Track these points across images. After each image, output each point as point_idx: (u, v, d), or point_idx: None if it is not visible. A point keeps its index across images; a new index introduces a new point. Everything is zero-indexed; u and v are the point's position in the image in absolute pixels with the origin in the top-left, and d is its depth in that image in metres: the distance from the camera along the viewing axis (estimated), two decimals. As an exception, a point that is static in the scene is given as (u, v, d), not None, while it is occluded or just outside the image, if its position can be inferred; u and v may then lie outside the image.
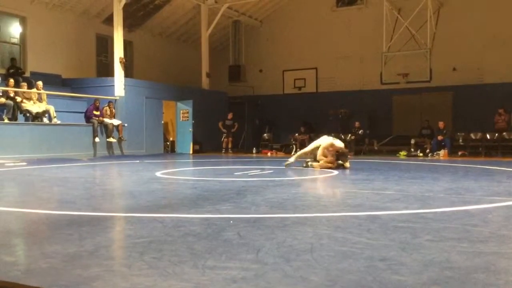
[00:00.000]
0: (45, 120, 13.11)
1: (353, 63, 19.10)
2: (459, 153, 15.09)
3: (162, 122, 17.20)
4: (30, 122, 12.75)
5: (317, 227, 3.53)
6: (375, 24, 17.15)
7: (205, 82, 19.00)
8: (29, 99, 12.99)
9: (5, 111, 12.21)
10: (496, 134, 15.48)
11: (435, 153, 14.66)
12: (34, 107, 12.93)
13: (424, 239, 3.09)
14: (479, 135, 15.86)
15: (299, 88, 20.44)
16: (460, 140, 16.01)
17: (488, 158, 13.62)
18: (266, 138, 18.88)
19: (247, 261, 2.56)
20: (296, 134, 17.53)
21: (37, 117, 12.97)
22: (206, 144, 17.80)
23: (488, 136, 15.68)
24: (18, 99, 12.69)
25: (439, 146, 14.87)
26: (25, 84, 13.11)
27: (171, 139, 18.43)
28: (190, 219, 4.04)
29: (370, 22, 18.05)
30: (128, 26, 17.00)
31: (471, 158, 13.46)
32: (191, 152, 17.15)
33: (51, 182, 7.31)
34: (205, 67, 19.00)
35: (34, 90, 13.21)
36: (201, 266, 2.46)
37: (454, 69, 17.46)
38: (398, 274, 2.31)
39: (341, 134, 16.88)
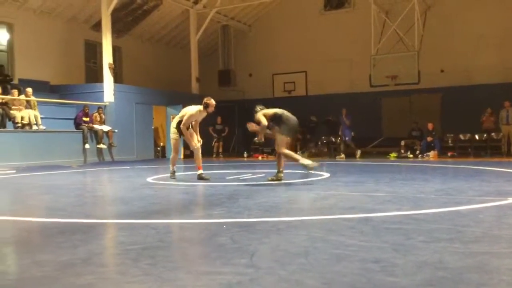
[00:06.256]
0: (35, 127, 13.00)
1: (342, 66, 19.20)
2: (449, 154, 15.21)
3: (153, 127, 17.14)
4: (19, 130, 12.62)
5: (311, 231, 3.53)
6: (363, 27, 17.26)
7: (195, 87, 18.97)
8: (18, 106, 12.87)
9: (-7, 118, 12.09)
10: (485, 135, 15.64)
11: (424, 154, 14.76)
12: (23, 113, 12.80)
13: (417, 240, 3.11)
14: (467, 136, 16.01)
15: (289, 91, 20.50)
16: (449, 141, 16.15)
17: (477, 158, 13.74)
18: (257, 142, 18.87)
19: (242, 265, 2.56)
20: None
21: (27, 124, 12.84)
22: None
23: (476, 137, 15.83)
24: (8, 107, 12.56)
25: (429, 147, 14.98)
26: (16, 91, 12.98)
27: (161, 144, 18.35)
28: (183, 224, 4.03)
29: (358, 25, 18.17)
30: (117, 31, 16.94)
31: (461, 159, 13.58)
32: (182, 157, 17.08)
33: (42, 189, 7.25)
34: (194, 72, 18.98)
35: (23, 96, 13.10)
36: (195, 271, 2.46)
37: (442, 70, 17.62)
38: (392, 276, 2.33)
39: (331, 137, 16.94)
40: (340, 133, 16.15)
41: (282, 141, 7.06)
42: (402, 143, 15.46)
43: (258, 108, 7.39)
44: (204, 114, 7.88)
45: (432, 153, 14.61)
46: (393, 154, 15.14)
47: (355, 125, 16.97)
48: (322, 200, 5.25)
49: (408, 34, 16.12)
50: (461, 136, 16.13)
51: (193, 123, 7.98)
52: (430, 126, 15.48)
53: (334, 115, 17.82)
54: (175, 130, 7.86)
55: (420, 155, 14.82)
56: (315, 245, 3.01)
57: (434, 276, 2.32)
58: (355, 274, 2.36)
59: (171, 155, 8.24)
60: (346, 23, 19.11)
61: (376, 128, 18.31)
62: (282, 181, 7.17)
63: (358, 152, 15.33)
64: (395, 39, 16.36)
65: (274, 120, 7.13)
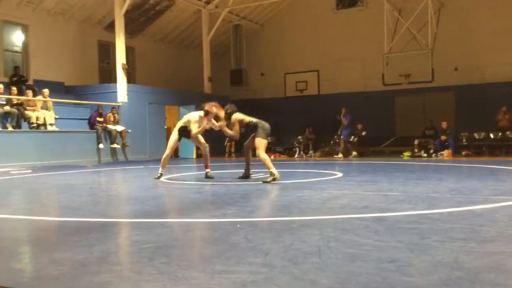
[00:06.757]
0: (49, 127, 13.16)
1: (354, 65, 19.11)
2: (463, 153, 15.06)
3: (165, 127, 17.23)
4: (34, 130, 12.79)
5: (324, 230, 3.53)
6: (376, 25, 17.16)
7: (207, 86, 19.04)
8: (33, 107, 13.05)
9: (9, 119, 12.26)
10: (500, 134, 15.45)
11: (439, 153, 14.63)
12: (38, 114, 12.98)
13: (432, 240, 3.09)
14: (482, 134, 15.83)
15: (301, 90, 20.46)
16: (464, 140, 15.98)
17: (492, 157, 13.59)
18: (269, 141, 18.85)
19: (256, 264, 2.57)
20: (299, 137, 17.52)
21: (42, 124, 13.02)
22: (209, 148, 17.77)
23: (491, 136, 15.65)
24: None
25: (443, 146, 14.85)
26: (31, 91, 13.17)
27: (174, 144, 18.41)
28: (197, 223, 4.05)
29: (371, 23, 18.06)
30: (130, 32, 17.05)
31: (475, 158, 13.44)
32: (194, 156, 17.16)
33: (57, 189, 7.33)
34: (207, 72, 19.04)
35: (40, 97, 13.29)
36: (210, 270, 2.47)
37: (456, 69, 17.46)
38: (408, 276, 2.32)
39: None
40: (339, 132, 16.28)
41: (261, 144, 7.28)
42: (416, 142, 15.34)
43: (229, 109, 7.62)
44: (206, 120, 7.92)
45: (446, 152, 14.48)
46: (407, 153, 15.03)
47: (368, 124, 16.93)
48: (335, 200, 5.24)
49: (421, 32, 15.99)
50: (476, 135, 15.95)
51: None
52: (444, 124, 15.35)
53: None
54: (177, 133, 8.00)
55: (434, 154, 14.70)
56: (328, 244, 3.01)
57: (450, 276, 2.30)
58: (370, 274, 2.35)
59: (165, 153, 8.16)
60: (358, 22, 19.01)
61: (389, 127, 18.20)
62: (294, 181, 7.15)
63: (339, 155, 15.65)
64: (408, 38, 16.24)
65: (249, 128, 7.48)
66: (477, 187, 6.10)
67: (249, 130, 7.51)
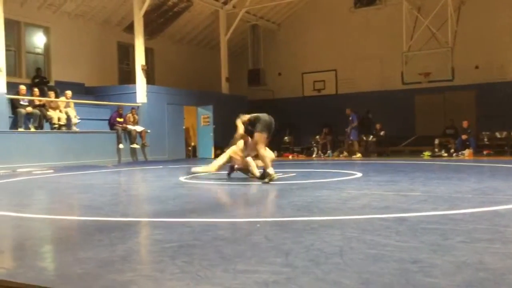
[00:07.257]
0: (74, 120, 13.41)
1: (373, 64, 18.96)
2: (484, 152, 14.83)
3: (184, 127, 17.34)
4: (56, 130, 13.01)
5: (345, 230, 3.51)
6: (394, 23, 17.00)
7: (224, 86, 19.10)
8: (55, 108, 13.29)
9: (31, 120, 12.48)
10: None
11: (459, 152, 14.43)
12: (60, 115, 13.21)
13: (455, 240, 3.05)
14: (504, 133, 15.56)
15: (319, 90, 20.38)
16: (485, 139, 15.73)
17: (514, 157, 13.35)
18: (287, 141, 18.87)
19: (277, 264, 2.57)
20: (317, 137, 17.45)
21: (64, 125, 13.24)
22: (227, 149, 17.84)
23: (514, 135, 15.38)
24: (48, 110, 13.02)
25: (464, 145, 14.64)
26: (53, 93, 13.41)
27: (192, 144, 18.55)
28: (217, 223, 4.06)
29: (389, 22, 17.90)
30: (149, 33, 17.21)
31: (497, 157, 13.21)
32: (212, 156, 17.22)
33: (79, 188, 7.44)
34: (224, 72, 19.10)
35: (63, 98, 13.53)
36: (232, 270, 2.48)
37: (476, 67, 17.19)
38: (431, 277, 2.29)
39: (362, 136, 16.74)
40: (347, 130, 16.26)
41: (259, 138, 7.07)
42: (436, 141, 15.16)
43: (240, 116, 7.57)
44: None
45: (467, 152, 14.28)
46: (427, 153, 14.86)
47: (387, 123, 16.78)
48: (355, 200, 5.21)
49: (441, 30, 15.78)
50: (498, 134, 15.68)
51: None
52: (465, 123, 15.14)
53: (366, 110, 17.59)
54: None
55: (454, 154, 14.50)
56: (350, 244, 2.99)
57: (475, 277, 2.27)
58: (392, 275, 2.33)
59: (221, 161, 8.13)
60: (377, 20, 18.85)
61: (408, 126, 18.01)
62: (313, 181, 7.13)
63: (358, 154, 15.76)
64: (428, 36, 16.05)
65: (250, 124, 7.28)
66: (500, 187, 6.00)
67: (252, 127, 7.31)
